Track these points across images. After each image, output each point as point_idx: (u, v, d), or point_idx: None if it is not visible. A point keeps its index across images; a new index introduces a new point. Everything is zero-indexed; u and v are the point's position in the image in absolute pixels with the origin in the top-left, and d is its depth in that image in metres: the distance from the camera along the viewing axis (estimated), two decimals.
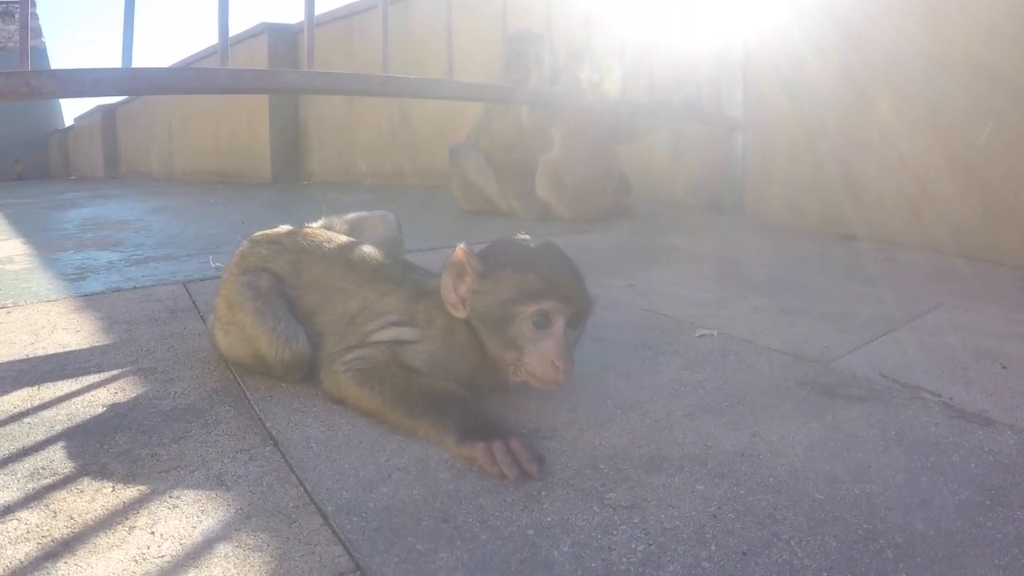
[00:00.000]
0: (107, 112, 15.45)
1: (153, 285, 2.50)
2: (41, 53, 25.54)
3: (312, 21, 2.24)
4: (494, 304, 1.23)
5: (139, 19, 1.91)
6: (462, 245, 1.27)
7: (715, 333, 1.80)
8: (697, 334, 1.81)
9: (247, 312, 1.44)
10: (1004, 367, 1.57)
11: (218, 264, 3.02)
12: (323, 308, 1.46)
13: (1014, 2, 3.03)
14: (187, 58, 9.65)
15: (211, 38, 8.89)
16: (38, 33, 26.21)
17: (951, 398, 1.38)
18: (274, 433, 1.26)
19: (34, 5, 24.95)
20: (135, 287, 2.47)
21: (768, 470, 1.11)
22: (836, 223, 3.69)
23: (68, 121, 23.54)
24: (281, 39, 8.01)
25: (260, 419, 1.32)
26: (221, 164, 9.44)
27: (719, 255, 2.94)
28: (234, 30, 8.49)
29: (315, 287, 1.49)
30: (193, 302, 2.22)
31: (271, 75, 2.16)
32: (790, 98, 3.84)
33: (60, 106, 27.35)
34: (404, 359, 1.32)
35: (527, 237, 1.35)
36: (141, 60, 11.10)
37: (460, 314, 1.28)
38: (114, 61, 1.88)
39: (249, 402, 1.40)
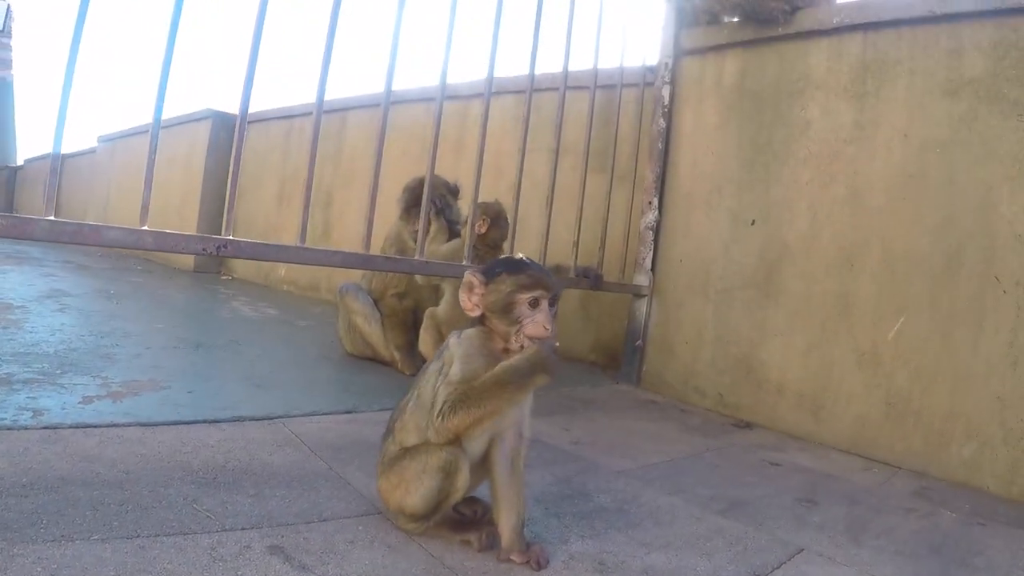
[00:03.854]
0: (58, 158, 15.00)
1: None
2: (7, 87, 24.98)
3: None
4: (500, 298, 1.70)
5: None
6: (469, 271, 1.76)
7: None
8: None
9: None
10: None
11: None
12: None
13: (938, 194, 2.99)
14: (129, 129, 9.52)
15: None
16: (7, 65, 25.59)
17: None
18: None
19: (8, 36, 24.61)
20: None
21: None
22: (734, 408, 3.55)
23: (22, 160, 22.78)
24: (224, 127, 7.96)
25: None
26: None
27: (576, 455, 2.63)
28: (182, 110, 8.46)
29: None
30: None
31: (17, 223, 1.89)
32: (699, 270, 3.75)
33: (15, 140, 26.01)
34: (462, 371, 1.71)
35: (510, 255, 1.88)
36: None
37: (475, 313, 1.75)
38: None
39: None
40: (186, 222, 8.16)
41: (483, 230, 3.39)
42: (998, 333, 2.78)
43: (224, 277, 7.82)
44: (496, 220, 3.44)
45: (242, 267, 7.89)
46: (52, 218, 1.86)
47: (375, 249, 3.78)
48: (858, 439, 3.12)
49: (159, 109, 2.06)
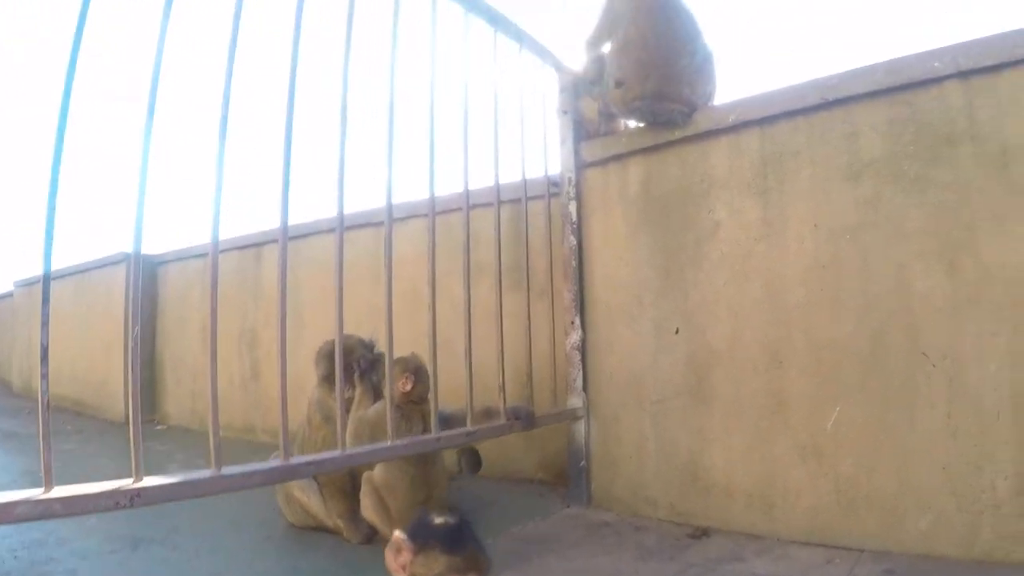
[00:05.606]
0: None
1: None
2: None
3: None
4: (430, 574, 1.63)
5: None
6: (397, 532, 1.70)
7: None
8: None
9: None
10: None
11: None
12: None
13: (854, 280, 3.05)
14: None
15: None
16: None
17: None
18: None
19: None
20: None
21: None
22: (688, 515, 3.52)
23: None
24: (142, 269, 7.74)
25: None
26: (77, 392, 8.80)
27: None
28: (99, 252, 8.23)
29: None
30: None
31: None
32: (631, 384, 3.75)
33: None
34: None
35: (443, 517, 1.74)
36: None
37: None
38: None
39: None
40: (113, 367, 7.93)
41: (407, 388, 3.33)
42: (934, 407, 2.83)
43: (158, 427, 7.55)
44: (418, 374, 3.38)
45: (176, 413, 7.66)
46: None
47: (299, 413, 3.69)
48: (814, 530, 3.13)
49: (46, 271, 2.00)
